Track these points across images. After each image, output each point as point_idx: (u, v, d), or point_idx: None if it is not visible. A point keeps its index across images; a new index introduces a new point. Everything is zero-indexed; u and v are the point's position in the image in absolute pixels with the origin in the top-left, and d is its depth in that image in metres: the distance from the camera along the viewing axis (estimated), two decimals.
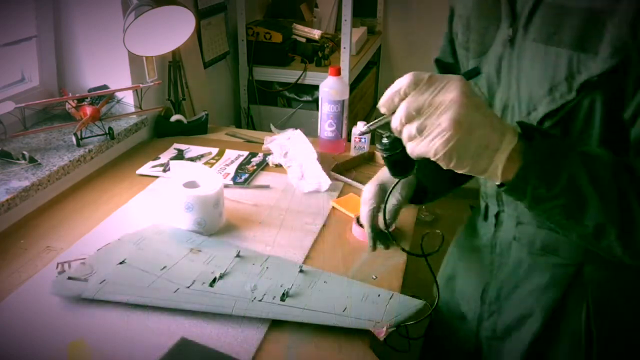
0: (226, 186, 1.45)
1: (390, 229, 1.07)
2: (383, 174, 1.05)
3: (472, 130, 0.64)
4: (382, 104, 0.69)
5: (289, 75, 2.67)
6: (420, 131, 0.65)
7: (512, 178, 0.67)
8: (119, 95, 1.76)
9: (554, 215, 0.70)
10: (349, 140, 1.74)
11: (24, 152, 1.42)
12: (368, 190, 1.03)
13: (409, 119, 0.65)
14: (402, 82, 0.66)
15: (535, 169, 0.67)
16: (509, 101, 0.86)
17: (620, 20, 0.70)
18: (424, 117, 0.65)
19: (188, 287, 1.04)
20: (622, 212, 0.67)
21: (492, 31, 0.88)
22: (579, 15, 0.74)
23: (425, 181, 1.04)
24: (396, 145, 0.72)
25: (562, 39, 0.76)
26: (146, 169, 1.60)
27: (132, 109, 1.77)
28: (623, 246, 0.70)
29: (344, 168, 1.61)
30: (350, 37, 2.46)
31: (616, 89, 0.73)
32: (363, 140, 1.68)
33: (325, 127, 1.71)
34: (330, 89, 1.66)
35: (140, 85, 1.73)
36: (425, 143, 0.65)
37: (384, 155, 0.75)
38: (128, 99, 1.77)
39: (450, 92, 0.64)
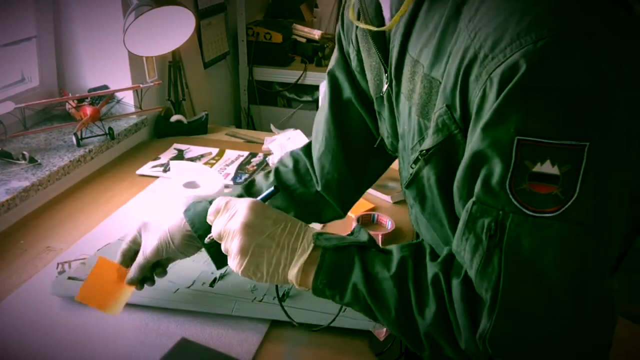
0: (226, 186, 1.45)
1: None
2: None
3: (259, 254, 0.72)
4: (208, 220, 0.80)
5: (289, 75, 2.67)
6: (225, 251, 0.76)
7: (311, 288, 0.72)
8: (119, 95, 1.76)
9: (363, 314, 0.73)
10: None
11: (24, 152, 1.42)
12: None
13: (218, 240, 0.77)
14: (211, 208, 0.78)
15: (324, 282, 0.71)
16: (400, 145, 0.82)
17: (442, 95, 0.63)
18: (224, 242, 0.76)
19: (188, 287, 1.04)
20: (399, 320, 0.68)
21: (380, 75, 0.83)
22: (423, 79, 0.67)
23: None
24: None
25: (415, 101, 0.70)
26: (146, 169, 1.60)
27: (132, 109, 1.77)
28: (413, 349, 0.69)
29: None
30: None
31: (446, 168, 0.66)
32: None
33: None
34: None
35: (140, 85, 1.73)
36: (230, 263, 0.75)
37: None
38: (128, 99, 1.77)
39: (236, 222, 0.73)
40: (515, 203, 0.55)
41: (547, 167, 0.53)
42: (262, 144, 1.76)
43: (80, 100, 1.65)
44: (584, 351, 0.60)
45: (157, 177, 1.56)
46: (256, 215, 0.74)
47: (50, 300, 1.02)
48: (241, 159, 1.68)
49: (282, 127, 1.93)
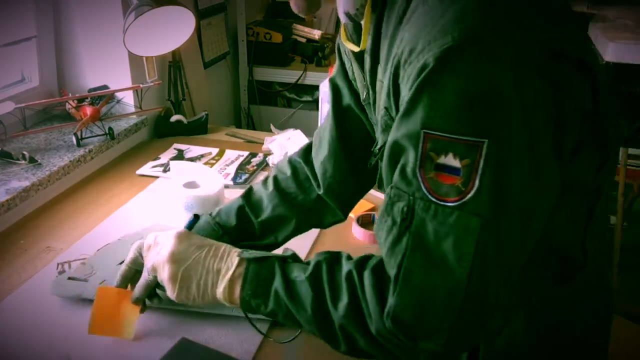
0: (226, 186, 1.45)
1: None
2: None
3: (187, 278, 0.79)
4: (144, 257, 0.87)
5: (289, 75, 2.67)
6: (161, 282, 0.82)
7: (239, 301, 0.77)
8: (119, 95, 1.76)
9: (287, 322, 0.76)
10: None
11: (24, 152, 1.42)
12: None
13: (154, 274, 0.83)
14: (145, 244, 0.84)
15: (249, 293, 0.76)
16: None
17: (383, 98, 0.69)
18: (158, 274, 0.82)
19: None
20: (316, 318, 0.71)
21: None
22: (378, 85, 0.74)
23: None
24: None
25: (376, 105, 0.76)
26: (146, 169, 1.60)
27: (132, 109, 1.77)
28: (331, 346, 0.73)
29: None
30: None
31: None
32: None
33: None
34: None
35: (141, 85, 1.73)
36: (167, 292, 0.81)
37: None
38: (128, 99, 1.77)
39: (164, 253, 0.80)
40: (424, 190, 0.60)
41: (450, 160, 0.58)
42: (262, 144, 1.76)
43: (80, 100, 1.65)
44: (476, 338, 0.64)
45: (157, 177, 1.56)
46: (181, 243, 0.80)
47: (50, 300, 1.02)
48: (241, 159, 1.68)
49: (282, 127, 1.93)
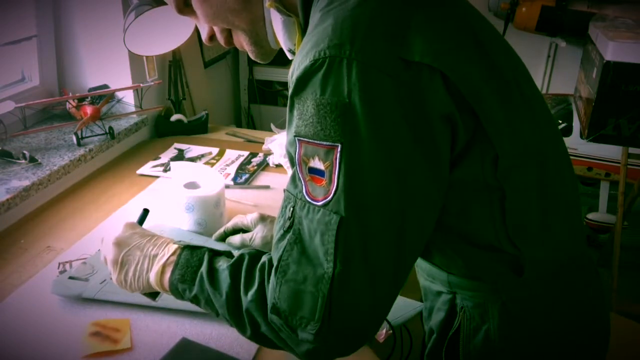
0: (227, 186, 1.45)
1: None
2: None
3: (127, 262, 0.85)
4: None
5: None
6: (106, 265, 0.89)
7: (168, 286, 0.81)
8: (119, 94, 1.76)
9: (207, 309, 0.79)
10: None
11: (25, 152, 1.42)
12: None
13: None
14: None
15: (177, 277, 0.80)
16: None
17: None
18: (105, 259, 0.88)
19: None
20: (228, 302, 0.74)
21: None
22: None
23: None
24: None
25: None
26: (146, 168, 1.60)
27: (133, 109, 1.78)
28: (238, 329, 0.76)
29: None
30: None
31: None
32: None
33: None
34: None
35: (141, 84, 1.73)
36: (111, 275, 0.88)
37: None
38: (128, 99, 1.77)
39: (110, 240, 0.87)
40: (304, 192, 0.67)
41: (317, 163, 0.65)
42: (263, 143, 1.76)
43: (81, 99, 1.65)
44: (355, 334, 0.67)
45: (157, 177, 1.56)
46: (125, 231, 0.88)
47: (51, 299, 1.03)
48: (241, 158, 1.68)
49: (283, 126, 1.92)
